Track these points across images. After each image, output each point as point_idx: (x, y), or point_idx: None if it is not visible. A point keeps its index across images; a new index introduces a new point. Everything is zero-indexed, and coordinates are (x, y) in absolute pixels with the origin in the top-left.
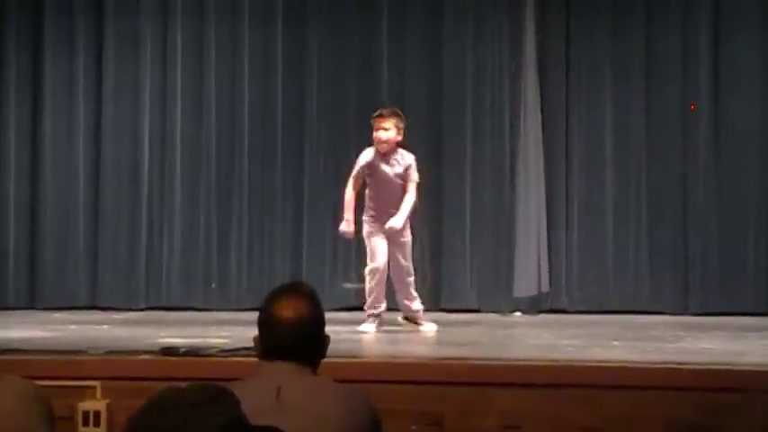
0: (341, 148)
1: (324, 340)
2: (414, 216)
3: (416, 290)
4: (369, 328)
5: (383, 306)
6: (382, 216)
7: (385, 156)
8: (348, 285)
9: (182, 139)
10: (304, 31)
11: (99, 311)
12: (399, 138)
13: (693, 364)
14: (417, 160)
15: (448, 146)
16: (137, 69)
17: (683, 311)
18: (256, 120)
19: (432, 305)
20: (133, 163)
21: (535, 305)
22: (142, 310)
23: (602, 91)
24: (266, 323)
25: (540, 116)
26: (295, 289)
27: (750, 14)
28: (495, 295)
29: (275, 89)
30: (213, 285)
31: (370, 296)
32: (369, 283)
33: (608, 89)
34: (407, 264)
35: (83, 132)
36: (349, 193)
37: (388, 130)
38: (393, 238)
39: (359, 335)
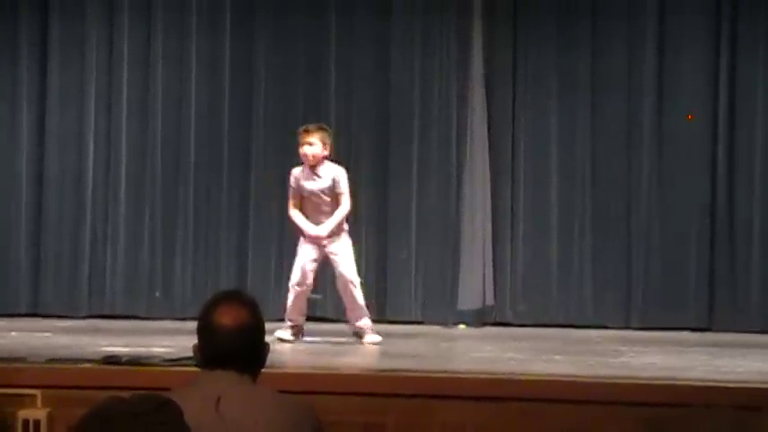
0: (288, 156)
1: (264, 348)
2: (353, 226)
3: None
4: (284, 334)
5: (300, 320)
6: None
7: (312, 170)
8: None
9: (127, 146)
10: (251, 37)
11: (40, 319)
12: (326, 152)
13: (635, 378)
14: (365, 169)
15: (394, 157)
16: (82, 74)
17: (626, 326)
18: (203, 127)
19: (376, 316)
20: (77, 169)
21: (479, 318)
22: (84, 318)
23: (548, 105)
24: (205, 331)
25: (486, 129)
26: (234, 297)
27: (694, 32)
28: (440, 307)
29: (222, 96)
30: (157, 294)
31: (289, 309)
32: (290, 295)
33: (554, 103)
34: (348, 276)
35: (26, 138)
36: (293, 211)
37: (313, 145)
38: (325, 251)
39: (307, 346)
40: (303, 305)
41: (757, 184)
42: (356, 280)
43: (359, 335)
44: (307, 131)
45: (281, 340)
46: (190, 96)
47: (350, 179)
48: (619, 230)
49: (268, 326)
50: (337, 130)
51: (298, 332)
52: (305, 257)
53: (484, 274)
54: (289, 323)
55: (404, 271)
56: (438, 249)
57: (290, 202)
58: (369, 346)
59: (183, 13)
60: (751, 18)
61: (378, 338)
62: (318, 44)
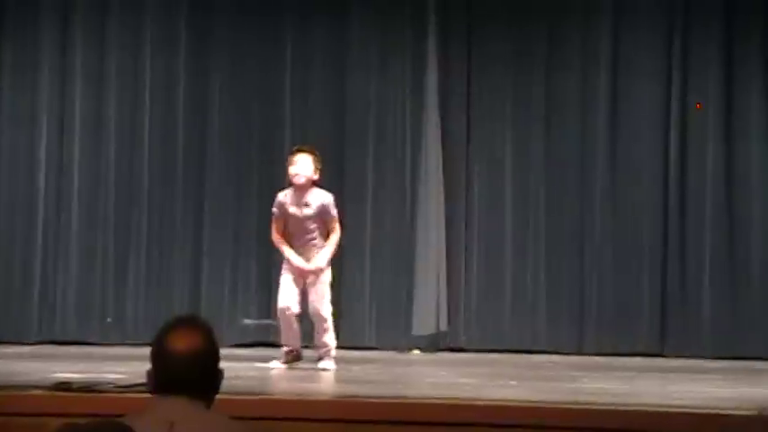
0: (242, 180)
1: (218, 374)
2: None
3: (308, 325)
4: (275, 364)
5: (296, 344)
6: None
7: (298, 194)
8: (247, 321)
9: (79, 169)
10: (206, 62)
11: None
12: (315, 176)
13: (589, 404)
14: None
15: (349, 181)
16: (34, 96)
17: (579, 351)
18: (156, 150)
19: None
20: (28, 191)
21: (433, 343)
22: (34, 344)
23: (503, 130)
24: (159, 356)
25: (440, 153)
26: (188, 322)
27: (647, 60)
28: (394, 333)
29: (176, 120)
30: (109, 319)
31: (282, 336)
32: (279, 324)
33: (508, 128)
34: (321, 307)
35: None
36: (279, 239)
37: (306, 166)
38: (308, 279)
39: (260, 371)
40: (296, 329)
41: (708, 210)
42: (329, 317)
43: (320, 357)
44: (299, 151)
45: (272, 369)
46: (143, 122)
47: None
48: (572, 256)
49: (224, 352)
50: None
51: (294, 357)
52: (288, 283)
53: (438, 300)
54: (285, 348)
55: (358, 296)
56: (392, 275)
57: (274, 228)
58: (320, 371)
59: (137, 37)
60: (702, 40)
61: (331, 366)
62: (274, 69)
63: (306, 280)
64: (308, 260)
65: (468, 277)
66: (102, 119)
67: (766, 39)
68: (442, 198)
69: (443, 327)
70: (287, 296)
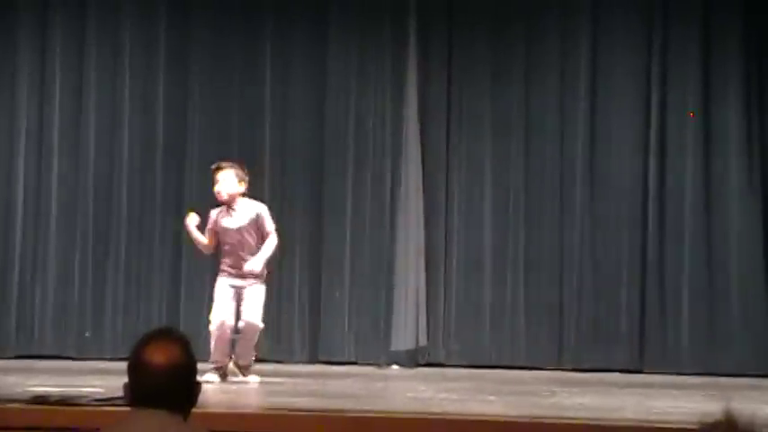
0: None
1: (195, 387)
2: (287, 265)
3: (287, 340)
4: (211, 377)
5: (225, 360)
6: (232, 269)
7: (228, 208)
8: None
9: (58, 182)
10: (186, 75)
11: None
12: (242, 188)
13: (568, 419)
14: (299, 209)
15: (328, 197)
16: (12, 108)
17: (558, 367)
18: (135, 163)
19: (309, 357)
20: (6, 204)
21: (412, 358)
22: (12, 357)
23: (482, 146)
24: (136, 368)
25: (420, 169)
26: (166, 334)
27: (624, 78)
28: (373, 348)
29: (156, 135)
30: (87, 333)
31: (212, 350)
32: (211, 338)
33: (488, 144)
34: (253, 320)
35: None
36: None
37: (226, 182)
38: (241, 291)
39: (239, 385)
40: (226, 346)
41: (687, 227)
42: (259, 327)
43: (241, 371)
44: (218, 168)
45: (208, 383)
46: (123, 135)
47: (285, 218)
48: (551, 272)
49: (200, 366)
50: (272, 168)
51: (224, 374)
52: (223, 298)
53: (417, 315)
54: (213, 365)
55: (337, 311)
56: (372, 290)
57: (207, 236)
58: (253, 384)
59: (115, 55)
60: (680, 59)
61: (258, 379)
62: (252, 85)
63: (241, 291)
64: (234, 275)
65: (448, 291)
66: (80, 133)
67: (745, 38)
68: (421, 212)
69: (423, 342)
70: (223, 310)
